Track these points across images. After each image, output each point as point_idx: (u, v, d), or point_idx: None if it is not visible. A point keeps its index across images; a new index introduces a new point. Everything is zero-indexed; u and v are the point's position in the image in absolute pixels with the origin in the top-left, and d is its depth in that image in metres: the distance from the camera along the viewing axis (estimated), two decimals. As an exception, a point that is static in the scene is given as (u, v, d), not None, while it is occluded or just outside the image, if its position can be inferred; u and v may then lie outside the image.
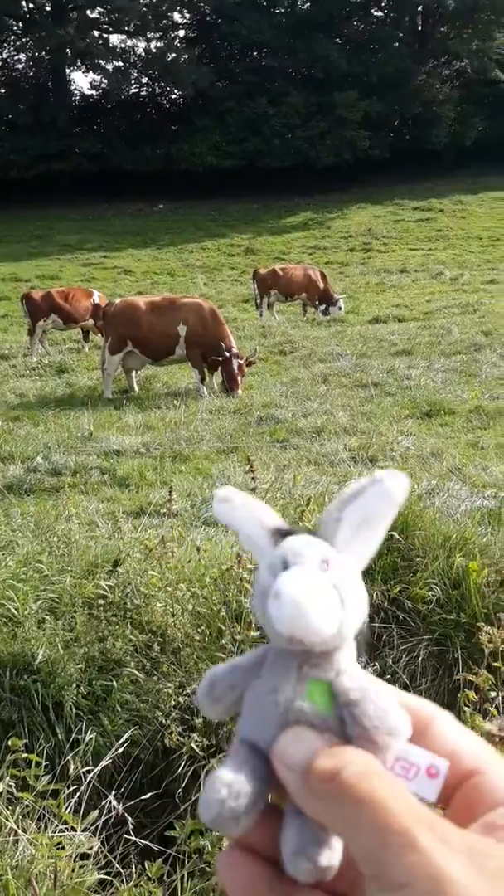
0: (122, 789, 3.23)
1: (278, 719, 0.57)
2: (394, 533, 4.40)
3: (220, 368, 13.27)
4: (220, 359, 13.04)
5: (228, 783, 0.56)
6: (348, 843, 0.52)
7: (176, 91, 51.77)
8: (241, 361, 13.18)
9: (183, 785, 3.37)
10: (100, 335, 18.12)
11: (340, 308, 20.57)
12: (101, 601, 3.89)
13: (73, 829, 2.65)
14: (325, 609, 0.55)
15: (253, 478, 4.05)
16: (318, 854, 0.54)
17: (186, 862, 2.53)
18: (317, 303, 20.96)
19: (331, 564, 0.57)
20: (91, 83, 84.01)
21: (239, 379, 13.09)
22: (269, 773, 0.57)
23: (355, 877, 0.55)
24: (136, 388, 13.88)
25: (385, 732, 0.55)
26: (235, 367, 13.06)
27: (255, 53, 52.46)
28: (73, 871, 2.33)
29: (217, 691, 0.60)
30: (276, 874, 0.56)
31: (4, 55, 52.10)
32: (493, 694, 3.03)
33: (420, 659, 3.99)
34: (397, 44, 51.66)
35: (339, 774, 0.52)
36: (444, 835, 0.50)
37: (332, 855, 0.54)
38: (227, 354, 13.02)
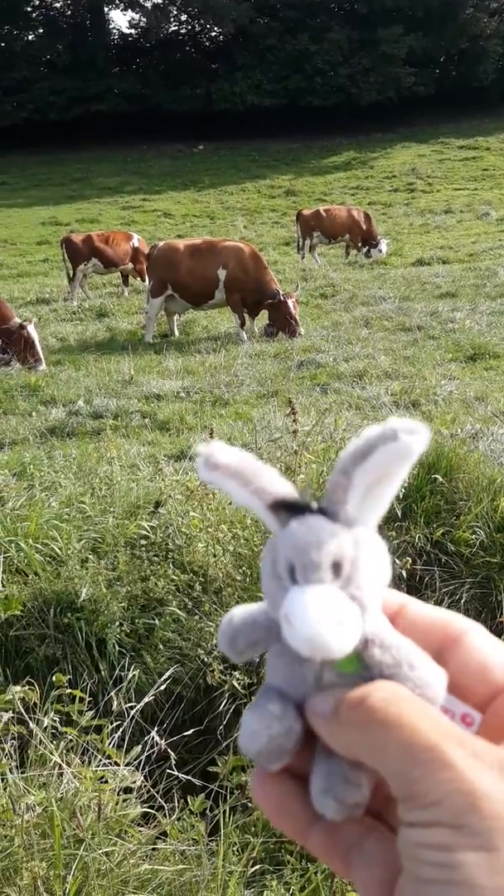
0: (165, 726, 3.27)
1: (306, 687, 0.55)
2: (437, 476, 4.35)
3: (270, 312, 13.14)
4: (274, 301, 12.90)
5: (279, 717, 0.55)
6: (379, 767, 0.51)
7: (216, 28, 50.71)
8: (295, 300, 13.05)
9: (224, 722, 3.41)
10: (139, 279, 18.10)
11: (381, 251, 20.15)
12: (143, 541, 3.91)
13: (117, 764, 2.69)
14: (343, 632, 0.51)
15: (294, 420, 4.01)
16: (344, 793, 0.53)
17: (228, 797, 2.56)
18: (360, 245, 20.59)
19: (344, 563, 0.52)
20: (130, 21, 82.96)
21: (297, 318, 12.95)
22: (300, 723, 0.55)
23: (389, 796, 0.54)
24: (177, 333, 13.83)
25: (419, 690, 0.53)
26: (292, 306, 12.91)
27: (296, -13, 51.04)
28: (116, 804, 2.37)
29: (240, 646, 0.58)
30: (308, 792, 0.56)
31: (41, -6, 51.25)
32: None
33: (462, 601, 3.96)
34: (443, -25, 49.90)
35: (366, 699, 0.52)
36: (475, 750, 0.49)
37: (359, 793, 0.54)
38: (281, 297, 12.90)
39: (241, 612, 0.59)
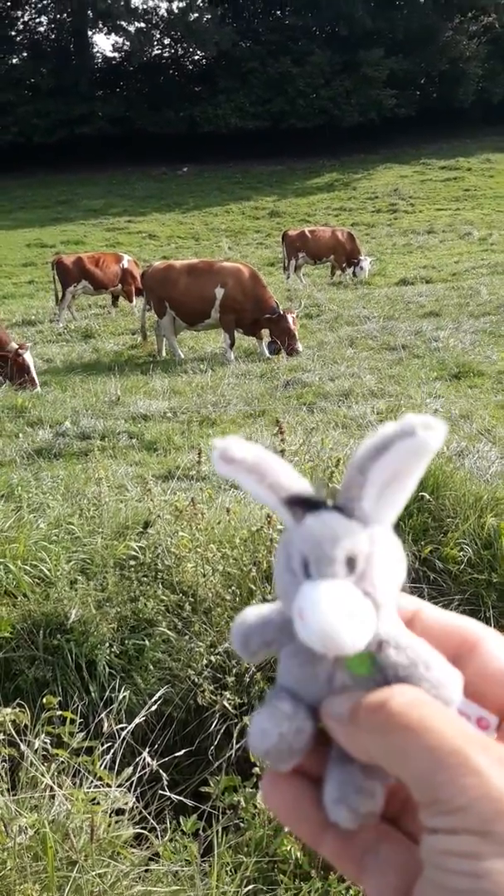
0: (156, 747, 3.26)
1: (318, 688, 0.55)
2: (424, 494, 4.37)
3: (270, 328, 13.24)
4: (273, 317, 12.99)
5: (290, 716, 0.55)
6: (399, 772, 0.50)
7: (199, 52, 51.14)
8: (294, 316, 13.22)
9: (216, 742, 3.40)
10: (127, 300, 18.14)
11: (364, 268, 20.24)
12: (132, 562, 3.91)
13: (108, 786, 2.68)
14: (357, 629, 0.51)
15: (282, 440, 4.03)
16: (359, 802, 0.53)
17: (221, 817, 2.56)
18: (344, 265, 20.74)
19: (359, 560, 0.52)
20: (113, 45, 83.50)
21: (297, 334, 13.10)
22: (312, 724, 0.55)
23: (406, 802, 0.54)
24: (164, 354, 13.85)
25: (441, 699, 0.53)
26: (291, 322, 13.05)
27: (277, 12, 51.65)
28: (108, 825, 2.36)
29: (252, 646, 0.58)
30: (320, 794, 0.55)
31: (26, 18, 51.68)
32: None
33: (451, 619, 3.97)
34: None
35: (386, 703, 0.51)
36: (500, 755, 0.48)
37: (372, 802, 0.53)
38: (280, 312, 13.02)
39: (253, 612, 0.59)
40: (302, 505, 0.54)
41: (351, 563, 0.52)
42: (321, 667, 0.55)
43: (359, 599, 0.51)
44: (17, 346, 11.58)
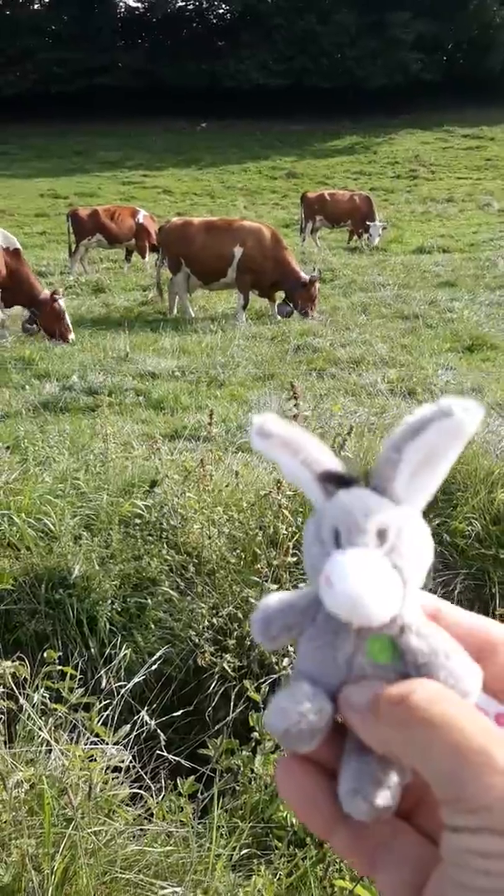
0: (154, 706, 3.25)
1: (336, 672, 0.54)
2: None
3: (289, 293, 13.15)
4: (303, 283, 12.89)
5: (311, 697, 0.54)
6: (420, 768, 0.49)
7: (223, 6, 50.27)
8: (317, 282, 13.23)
9: (213, 704, 3.39)
10: (141, 255, 17.98)
11: (371, 235, 19.87)
12: (137, 520, 3.88)
13: (105, 743, 2.68)
14: (383, 597, 0.50)
15: (296, 405, 3.98)
16: (375, 794, 0.52)
17: (218, 780, 2.55)
18: (361, 231, 20.50)
19: (389, 533, 0.52)
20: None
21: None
22: (331, 708, 0.54)
23: (421, 797, 0.54)
24: (175, 312, 13.73)
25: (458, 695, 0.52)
26: (316, 288, 13.04)
27: (306, -33, 50.60)
28: (105, 783, 2.35)
29: (273, 631, 0.57)
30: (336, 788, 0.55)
31: (49, -38, 50.67)
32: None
33: (456, 592, 3.95)
34: (455, -39, 49.49)
35: (408, 697, 0.50)
36: None
37: (389, 795, 0.52)
38: (309, 278, 12.92)
39: (276, 596, 0.59)
40: (335, 481, 0.54)
41: (382, 535, 0.52)
42: (341, 651, 0.54)
43: (387, 570, 0.51)
44: (50, 293, 11.49)
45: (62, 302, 11.43)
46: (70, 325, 11.47)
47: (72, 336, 11.35)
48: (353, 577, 0.50)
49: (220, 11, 51.51)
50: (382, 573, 0.50)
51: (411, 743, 0.49)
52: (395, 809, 0.53)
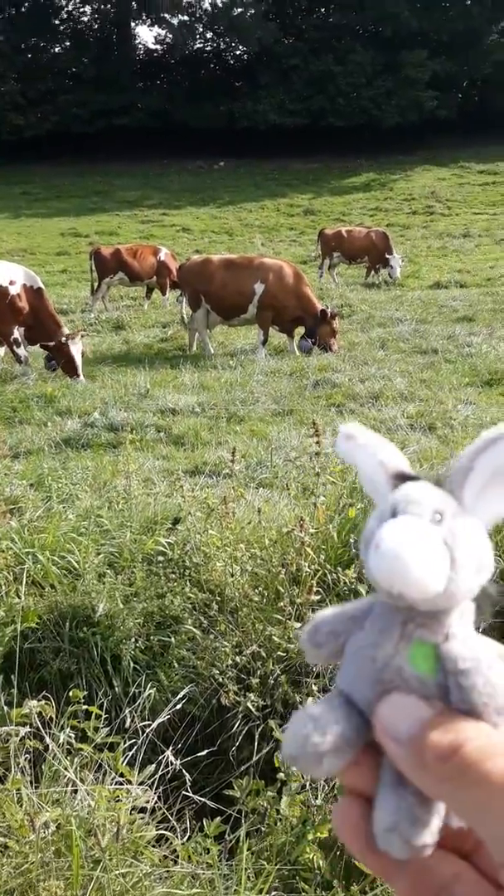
0: (178, 746, 3.24)
1: (374, 675, 0.53)
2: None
3: (311, 328, 13.28)
4: (331, 315, 13.05)
5: (315, 718, 0.53)
6: (476, 828, 0.47)
7: (241, 47, 51.08)
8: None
9: (237, 743, 3.38)
10: (162, 293, 18.16)
11: (392, 266, 19.96)
12: (160, 558, 3.89)
13: (130, 783, 2.67)
14: (428, 563, 0.50)
15: (317, 441, 4.00)
16: (413, 832, 0.50)
17: (244, 822, 2.53)
18: (378, 266, 20.63)
19: (446, 517, 0.52)
20: (156, 37, 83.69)
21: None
22: (364, 729, 0.54)
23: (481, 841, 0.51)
24: (195, 348, 13.83)
25: (494, 710, 0.50)
26: (336, 323, 13.22)
27: (322, 9, 51.51)
28: (132, 824, 2.35)
29: (319, 636, 0.58)
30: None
31: (70, 7, 51.83)
32: None
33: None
34: (469, 2, 50.08)
35: (458, 751, 0.48)
36: None
37: (428, 833, 0.51)
38: (330, 314, 13.09)
39: (332, 608, 0.59)
40: (407, 480, 0.55)
41: (438, 514, 0.52)
42: (382, 650, 0.53)
43: (436, 539, 0.51)
44: (65, 335, 11.62)
45: (74, 346, 11.49)
46: (79, 370, 11.52)
47: (80, 379, 11.40)
48: (399, 537, 0.50)
49: (238, 52, 52.38)
50: (429, 540, 0.50)
51: (466, 801, 0.47)
52: (433, 847, 0.51)
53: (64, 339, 11.50)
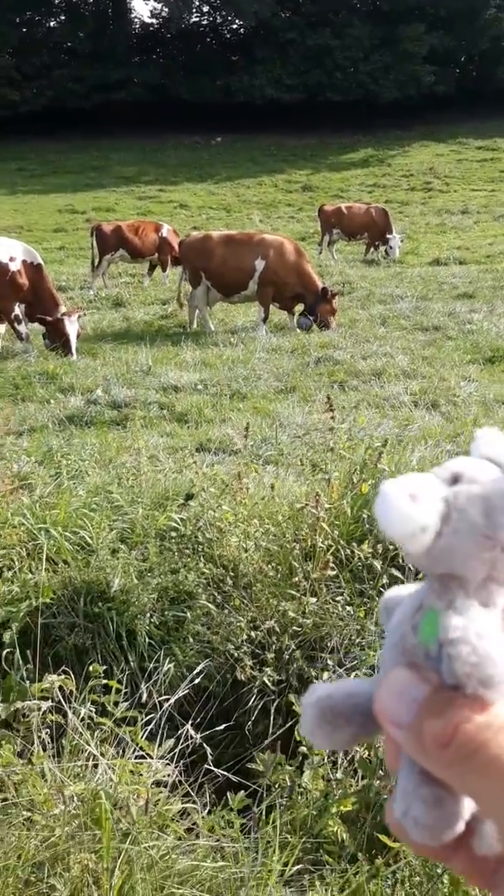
0: (196, 721, 3.25)
1: (395, 651, 0.53)
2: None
3: (310, 305, 13.25)
4: (331, 293, 13.01)
5: (328, 691, 0.54)
6: (486, 814, 0.47)
7: (237, 21, 50.50)
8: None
9: (253, 718, 3.38)
10: (163, 269, 18.04)
11: (392, 247, 19.91)
12: (172, 533, 3.88)
13: (150, 757, 2.68)
14: (410, 503, 0.48)
15: (332, 417, 3.97)
16: (426, 815, 0.49)
17: (266, 795, 2.54)
18: (377, 243, 20.54)
19: (462, 480, 0.51)
20: (151, 11, 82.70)
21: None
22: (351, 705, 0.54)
23: None
24: (195, 325, 13.77)
25: (478, 681, 0.48)
26: (336, 302, 13.20)
27: (319, -18, 50.83)
28: (157, 798, 2.35)
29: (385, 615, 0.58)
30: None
31: (64, -20, 51.12)
32: None
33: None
34: (467, -26, 49.56)
35: (454, 740, 0.47)
36: None
37: (442, 814, 0.49)
38: (332, 291, 13.06)
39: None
40: None
41: (455, 478, 0.51)
42: (403, 621, 0.53)
43: (433, 491, 0.50)
44: (61, 312, 11.54)
45: (70, 324, 11.41)
46: (72, 349, 11.45)
47: (72, 357, 11.33)
48: (398, 480, 0.50)
49: (234, 27, 51.80)
50: (423, 485, 0.50)
51: (474, 787, 0.46)
52: (458, 831, 0.49)
53: (60, 315, 11.42)
